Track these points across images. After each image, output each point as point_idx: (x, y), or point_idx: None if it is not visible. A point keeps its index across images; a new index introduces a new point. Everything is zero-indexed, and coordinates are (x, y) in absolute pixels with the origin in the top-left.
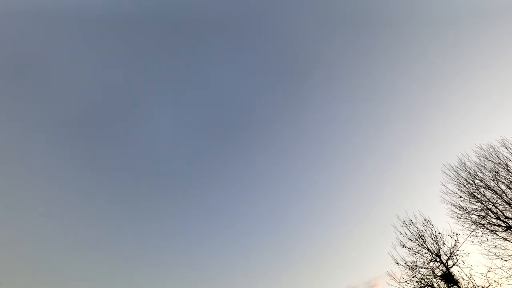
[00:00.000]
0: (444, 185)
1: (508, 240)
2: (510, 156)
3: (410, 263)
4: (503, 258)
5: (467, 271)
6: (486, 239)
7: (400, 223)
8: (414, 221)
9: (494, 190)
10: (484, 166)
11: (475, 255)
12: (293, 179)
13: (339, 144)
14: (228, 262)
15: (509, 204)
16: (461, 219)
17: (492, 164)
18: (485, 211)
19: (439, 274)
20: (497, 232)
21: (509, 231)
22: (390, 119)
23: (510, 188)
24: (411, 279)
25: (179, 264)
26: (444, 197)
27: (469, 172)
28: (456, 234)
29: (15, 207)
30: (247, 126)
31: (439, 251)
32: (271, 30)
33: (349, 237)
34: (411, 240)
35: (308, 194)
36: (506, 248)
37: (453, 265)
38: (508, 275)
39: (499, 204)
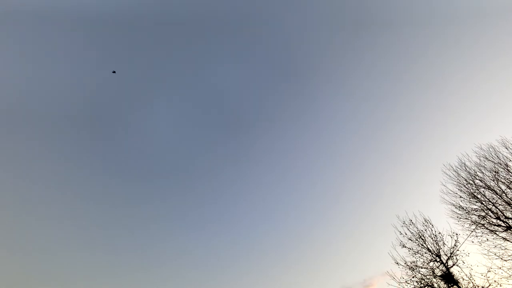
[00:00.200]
0: (444, 185)
1: (508, 240)
2: (510, 156)
3: (410, 263)
4: (503, 258)
5: (467, 271)
6: (486, 239)
7: (400, 223)
8: (414, 221)
9: (494, 190)
10: (484, 166)
11: (475, 255)
12: (293, 179)
13: (339, 144)
14: (228, 262)
15: (509, 204)
16: (461, 219)
17: (492, 164)
18: (485, 211)
19: (439, 274)
20: (497, 232)
21: (509, 231)
22: (390, 119)
23: (510, 188)
24: (411, 279)
25: (179, 264)
26: (444, 197)
27: (469, 172)
28: (456, 234)
29: (14, 207)
30: (247, 126)
31: (439, 251)
32: (271, 31)
33: (349, 237)
34: (411, 240)
35: (308, 194)
36: (506, 248)
37: (453, 265)
38: (508, 275)
39: (499, 204)
